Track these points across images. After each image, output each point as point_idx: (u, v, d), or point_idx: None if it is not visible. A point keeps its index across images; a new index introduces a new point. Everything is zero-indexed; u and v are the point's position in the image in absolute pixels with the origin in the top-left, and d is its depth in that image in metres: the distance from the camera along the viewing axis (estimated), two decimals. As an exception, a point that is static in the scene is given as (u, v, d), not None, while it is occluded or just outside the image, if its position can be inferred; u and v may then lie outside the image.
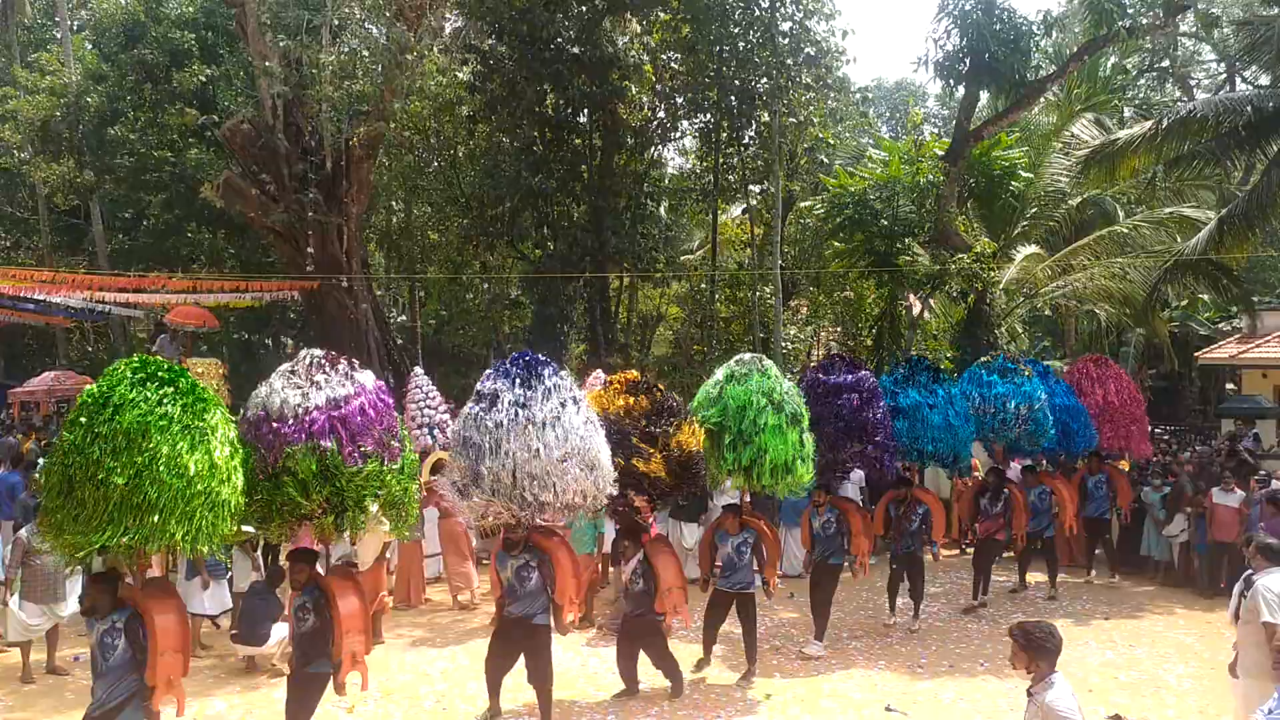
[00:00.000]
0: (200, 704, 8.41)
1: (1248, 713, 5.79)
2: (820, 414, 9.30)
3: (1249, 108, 16.12)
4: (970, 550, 13.71)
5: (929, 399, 10.38)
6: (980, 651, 9.86)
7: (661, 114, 23.70)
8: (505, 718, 8.00)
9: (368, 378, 6.94)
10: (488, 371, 7.49)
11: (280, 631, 8.95)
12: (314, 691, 6.75)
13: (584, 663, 9.58)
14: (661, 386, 8.71)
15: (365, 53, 19.27)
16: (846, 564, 10.18)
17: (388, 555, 10.56)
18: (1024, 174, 21.27)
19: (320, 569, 7.05)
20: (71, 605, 9.02)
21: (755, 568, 8.80)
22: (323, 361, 6.79)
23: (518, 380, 7.10)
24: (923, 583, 10.77)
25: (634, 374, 8.86)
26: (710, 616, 9.02)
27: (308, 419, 6.36)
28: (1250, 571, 6.43)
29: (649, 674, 8.73)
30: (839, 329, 24.57)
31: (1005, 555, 13.64)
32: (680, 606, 8.15)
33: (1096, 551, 13.12)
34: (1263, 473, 12.45)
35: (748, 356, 8.96)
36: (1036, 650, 4.81)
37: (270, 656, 9.21)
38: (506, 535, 7.42)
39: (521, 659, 7.58)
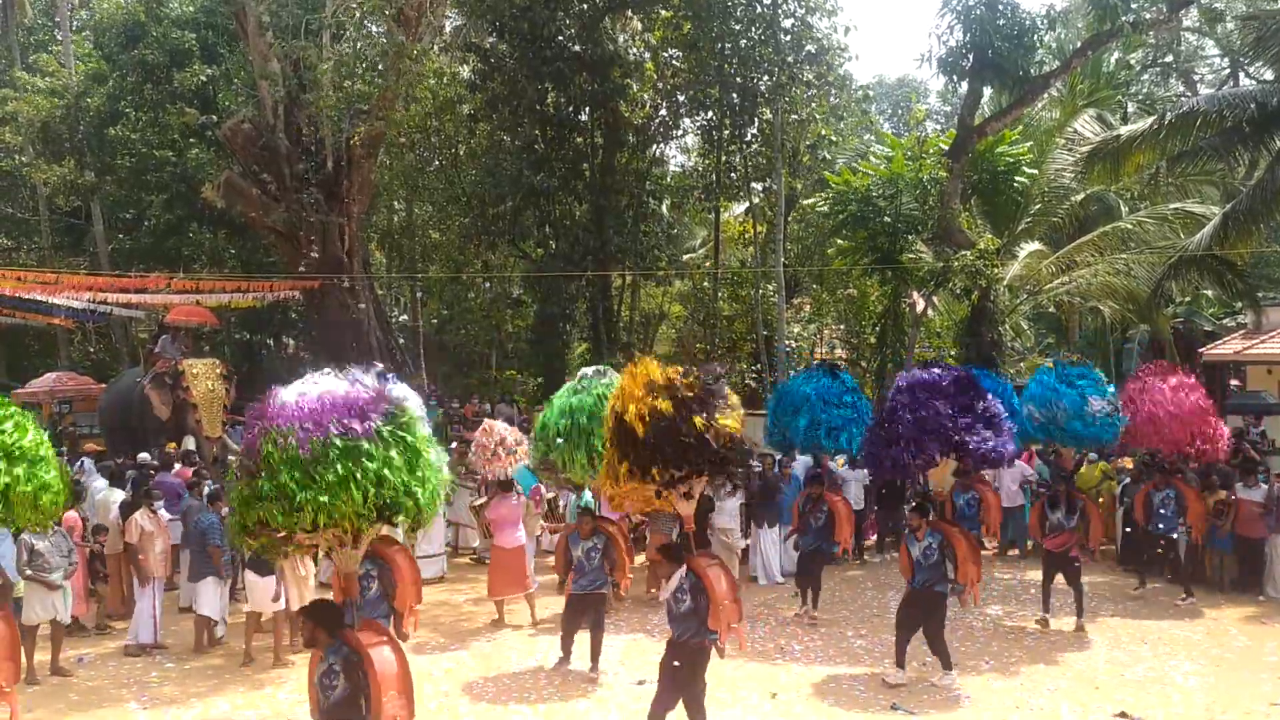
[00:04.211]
0: (204, 705, 8.40)
1: None
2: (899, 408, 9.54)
3: (1253, 103, 16.06)
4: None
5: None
6: (985, 649, 9.82)
7: (663, 112, 23.67)
8: (512, 716, 7.99)
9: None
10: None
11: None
12: None
13: (544, 659, 9.50)
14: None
15: (364, 53, 19.26)
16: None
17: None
18: (1028, 170, 21.21)
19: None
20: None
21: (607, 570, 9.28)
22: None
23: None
24: (820, 577, 11.09)
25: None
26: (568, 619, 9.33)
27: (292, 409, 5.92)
28: None
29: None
30: (842, 327, 24.54)
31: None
32: (736, 624, 7.29)
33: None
34: (1262, 469, 12.36)
35: (590, 371, 10.37)
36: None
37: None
38: None
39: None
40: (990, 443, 9.29)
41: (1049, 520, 10.59)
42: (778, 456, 13.28)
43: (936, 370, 9.82)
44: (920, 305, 21.67)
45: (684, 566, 7.07)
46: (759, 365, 22.42)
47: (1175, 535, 11.66)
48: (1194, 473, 12.67)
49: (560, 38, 21.64)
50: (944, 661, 8.79)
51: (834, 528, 10.91)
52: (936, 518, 9.09)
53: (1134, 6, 19.00)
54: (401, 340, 23.56)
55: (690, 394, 7.66)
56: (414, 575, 7.44)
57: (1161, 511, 11.50)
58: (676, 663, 7.01)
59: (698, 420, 7.49)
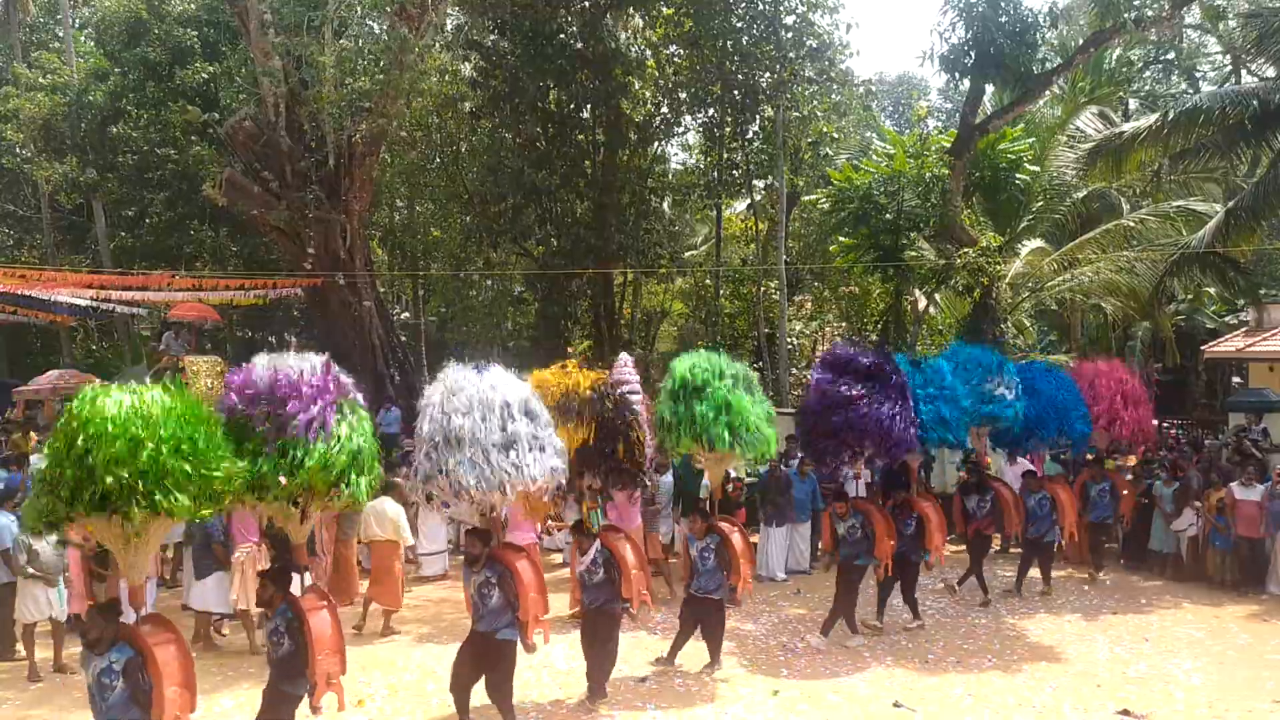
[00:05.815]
0: (207, 702, 8.39)
1: None
2: (831, 401, 9.51)
3: (1255, 100, 16.07)
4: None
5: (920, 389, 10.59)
6: (988, 647, 9.83)
7: (665, 109, 23.66)
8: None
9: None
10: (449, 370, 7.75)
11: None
12: (287, 710, 6.62)
13: (546, 657, 9.47)
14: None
15: (366, 50, 19.24)
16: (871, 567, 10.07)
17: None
18: (1029, 167, 21.19)
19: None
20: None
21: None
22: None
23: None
24: (914, 585, 10.61)
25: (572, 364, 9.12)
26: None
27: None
28: None
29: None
30: (844, 324, 24.54)
31: (1009, 551, 13.73)
32: (644, 591, 8.42)
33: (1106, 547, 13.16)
34: (1277, 468, 12.35)
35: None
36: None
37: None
38: (468, 551, 7.51)
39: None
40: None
41: (966, 508, 11.38)
42: (782, 453, 13.22)
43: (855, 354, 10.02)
44: (922, 303, 21.68)
45: (597, 541, 8.05)
46: (760, 363, 22.41)
47: (1110, 524, 12.66)
48: (1195, 470, 12.70)
49: (562, 35, 21.63)
50: (851, 625, 9.90)
51: (924, 535, 10.32)
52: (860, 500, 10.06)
53: (1136, 3, 18.96)
54: (403, 338, 23.56)
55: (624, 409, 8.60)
56: (539, 583, 7.44)
57: (1098, 502, 12.29)
58: (590, 630, 8.10)
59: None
